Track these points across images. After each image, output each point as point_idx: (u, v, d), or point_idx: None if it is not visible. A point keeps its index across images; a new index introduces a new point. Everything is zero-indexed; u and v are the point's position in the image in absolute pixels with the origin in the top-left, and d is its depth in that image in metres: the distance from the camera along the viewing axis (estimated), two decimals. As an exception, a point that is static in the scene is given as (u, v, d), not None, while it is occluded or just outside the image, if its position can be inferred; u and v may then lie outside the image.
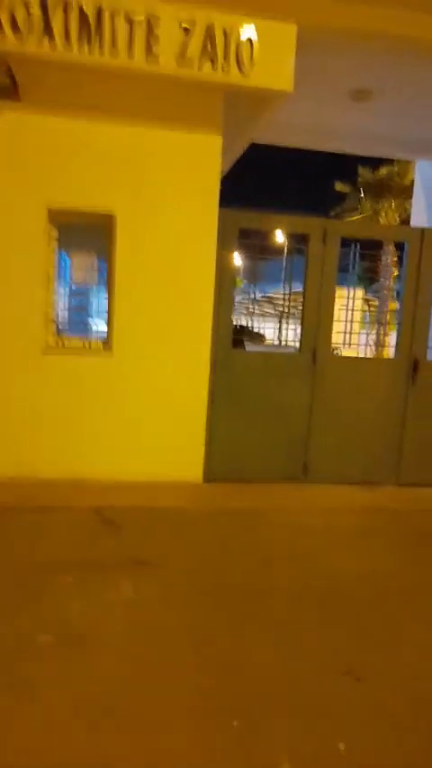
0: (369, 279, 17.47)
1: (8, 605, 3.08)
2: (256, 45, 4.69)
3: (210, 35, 4.61)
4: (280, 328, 15.96)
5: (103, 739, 2.18)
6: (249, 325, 13.93)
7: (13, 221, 4.97)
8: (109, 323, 5.28)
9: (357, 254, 6.73)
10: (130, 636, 2.89)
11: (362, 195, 21.92)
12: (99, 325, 5.54)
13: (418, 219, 8.82)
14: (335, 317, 5.66)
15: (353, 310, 6.42)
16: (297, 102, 5.27)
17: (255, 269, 9.38)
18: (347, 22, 4.71)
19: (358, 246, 6.54)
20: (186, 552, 3.96)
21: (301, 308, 5.64)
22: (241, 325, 11.30)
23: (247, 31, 4.67)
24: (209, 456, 5.44)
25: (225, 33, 4.63)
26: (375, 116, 6.73)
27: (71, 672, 2.57)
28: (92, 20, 4.44)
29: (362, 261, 7.72)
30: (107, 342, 5.29)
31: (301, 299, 5.67)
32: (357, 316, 7.14)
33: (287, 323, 10.30)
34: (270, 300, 20.54)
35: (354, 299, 6.77)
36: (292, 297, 7.05)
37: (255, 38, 4.68)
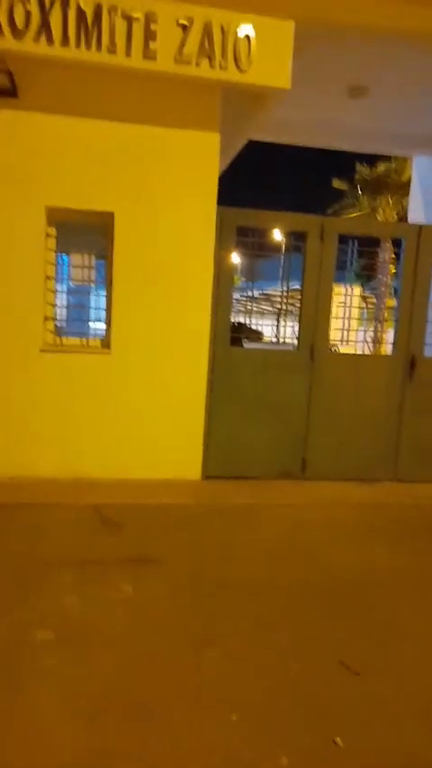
0: (367, 276, 17.48)
1: (7, 603, 3.09)
2: (253, 42, 4.70)
3: (207, 32, 4.62)
4: (278, 326, 15.99)
5: (103, 737, 2.19)
6: (247, 322, 13.95)
7: (11, 220, 4.96)
8: (107, 321, 5.29)
9: (355, 252, 6.74)
10: (130, 632, 2.90)
11: (359, 192, 21.92)
12: (97, 324, 5.55)
13: (415, 216, 8.84)
14: (332, 315, 5.67)
15: (350, 307, 6.43)
16: (294, 99, 5.28)
17: (253, 266, 9.38)
18: (344, 15, 4.71)
19: (356, 243, 6.55)
20: (186, 549, 3.97)
21: (299, 305, 5.66)
22: (239, 323, 11.31)
23: (245, 28, 4.68)
24: (207, 453, 5.45)
25: (223, 30, 4.64)
26: (372, 112, 6.74)
27: (71, 669, 2.58)
28: (90, 17, 4.44)
29: (359, 258, 7.72)
30: (106, 340, 5.30)
31: (299, 297, 5.69)
32: (355, 313, 7.13)
33: (285, 320, 10.30)
34: (268, 298, 20.57)
35: (351, 296, 6.78)
36: (290, 294, 7.04)
37: (252, 35, 4.69)
